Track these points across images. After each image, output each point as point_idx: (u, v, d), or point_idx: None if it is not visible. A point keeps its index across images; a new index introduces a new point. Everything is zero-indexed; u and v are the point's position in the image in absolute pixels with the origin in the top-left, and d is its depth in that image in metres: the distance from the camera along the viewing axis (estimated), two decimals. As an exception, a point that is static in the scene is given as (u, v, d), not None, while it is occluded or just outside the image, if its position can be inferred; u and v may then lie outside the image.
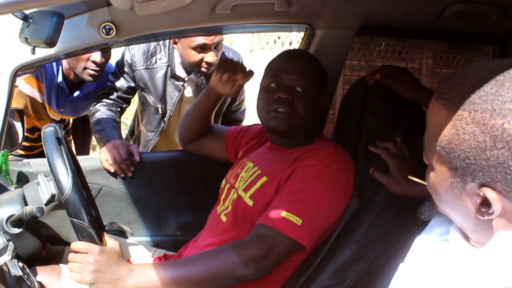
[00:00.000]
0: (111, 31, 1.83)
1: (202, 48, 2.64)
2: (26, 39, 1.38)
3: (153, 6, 1.63)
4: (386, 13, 2.05)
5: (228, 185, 1.95)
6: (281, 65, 1.87)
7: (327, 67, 2.00)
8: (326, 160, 1.72)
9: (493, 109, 0.83)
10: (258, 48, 9.02)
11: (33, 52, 1.44)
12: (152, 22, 1.92)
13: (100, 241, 1.58)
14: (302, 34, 2.35)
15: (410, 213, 1.63)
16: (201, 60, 2.68)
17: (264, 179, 1.78)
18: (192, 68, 2.75)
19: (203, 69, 2.72)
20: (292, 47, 8.94)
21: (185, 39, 2.63)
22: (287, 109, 1.78)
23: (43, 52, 1.76)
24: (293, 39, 8.78)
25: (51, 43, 1.33)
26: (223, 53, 2.87)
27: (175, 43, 2.74)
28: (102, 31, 1.83)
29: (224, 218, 1.85)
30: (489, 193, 0.86)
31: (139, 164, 2.40)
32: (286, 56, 1.92)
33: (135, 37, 1.97)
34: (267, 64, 1.94)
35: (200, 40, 2.59)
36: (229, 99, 3.01)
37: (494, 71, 0.87)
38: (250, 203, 1.76)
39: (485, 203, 0.88)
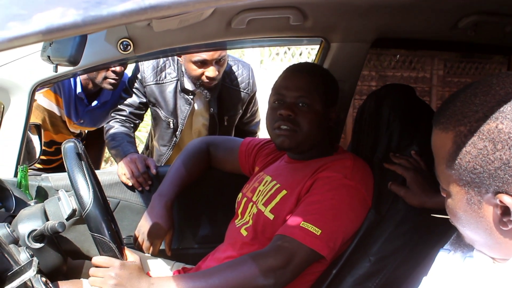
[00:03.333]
0: (129, 47, 1.86)
1: (202, 63, 2.64)
2: (48, 57, 1.40)
3: (170, 22, 1.66)
4: (401, 26, 2.06)
5: (245, 199, 1.95)
6: (283, 82, 1.87)
7: (342, 79, 2.01)
8: (345, 172, 1.73)
9: (484, 115, 0.88)
10: (268, 59, 9.03)
11: (56, 70, 1.47)
12: (168, 38, 1.95)
13: (121, 255, 1.60)
14: (313, 45, 2.36)
15: (428, 226, 1.64)
16: (202, 74, 2.68)
17: (284, 192, 1.79)
18: (194, 81, 2.76)
19: (204, 83, 2.73)
20: (302, 58, 8.95)
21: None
22: (290, 125, 1.79)
23: (62, 69, 1.78)
24: (303, 50, 8.79)
25: (74, 62, 1.35)
26: (232, 65, 2.90)
27: (180, 56, 2.76)
28: (120, 47, 1.85)
29: (244, 232, 1.85)
30: (506, 199, 0.87)
31: (156, 178, 2.41)
32: (288, 73, 1.91)
33: (152, 53, 1.99)
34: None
35: (200, 55, 2.59)
36: (240, 111, 3.02)
37: (479, 86, 0.92)
38: (271, 217, 1.76)
39: (506, 212, 0.89)
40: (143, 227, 2.00)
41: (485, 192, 0.90)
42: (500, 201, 0.88)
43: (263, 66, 8.83)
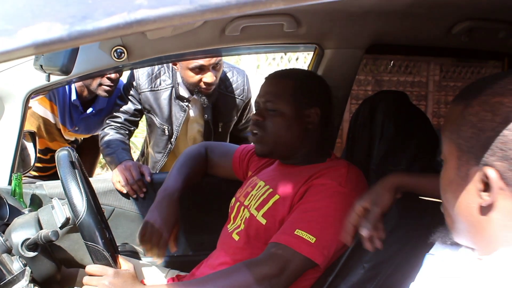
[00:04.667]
0: (123, 54, 1.86)
1: (200, 69, 2.65)
2: (41, 66, 1.40)
3: (164, 29, 1.66)
4: (395, 32, 2.07)
5: (238, 203, 1.96)
6: (259, 90, 1.92)
7: (337, 86, 2.01)
8: (339, 179, 1.73)
9: (493, 91, 0.93)
10: (265, 64, 9.04)
11: (48, 80, 1.47)
12: (162, 45, 1.95)
13: (115, 264, 1.60)
14: (309, 51, 2.37)
15: (421, 232, 1.64)
16: (200, 80, 2.68)
17: (277, 197, 1.79)
18: (192, 88, 2.76)
19: (202, 89, 2.73)
20: (298, 63, 8.96)
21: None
22: (257, 130, 1.84)
23: (55, 77, 1.78)
24: (299, 55, 8.80)
25: (66, 71, 1.35)
26: (226, 72, 2.90)
27: (175, 64, 2.76)
28: (114, 55, 1.85)
29: (236, 237, 1.85)
30: (490, 172, 0.90)
31: (150, 185, 2.41)
32: (264, 81, 1.94)
33: (146, 60, 1.99)
34: None
35: (197, 61, 2.60)
36: (235, 118, 3.03)
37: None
38: (263, 221, 1.77)
39: (486, 189, 0.92)
40: (150, 221, 1.96)
41: (474, 164, 0.93)
42: (485, 175, 0.91)
43: (259, 71, 8.84)
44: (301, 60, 9.02)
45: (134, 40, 1.89)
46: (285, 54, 8.77)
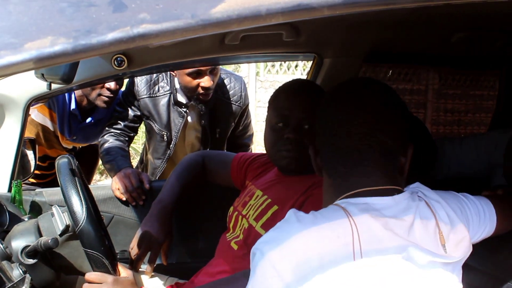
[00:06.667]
0: (123, 62, 1.86)
1: (197, 74, 2.65)
2: (42, 75, 1.41)
3: (165, 38, 1.67)
4: (394, 41, 2.08)
5: (236, 213, 1.95)
6: (286, 102, 1.82)
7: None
8: None
9: None
10: (264, 71, 9.06)
11: (49, 88, 1.48)
12: (162, 54, 1.96)
13: (114, 271, 1.60)
14: (308, 59, 2.38)
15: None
16: (198, 85, 2.68)
17: (275, 208, 1.78)
18: (190, 94, 2.77)
19: (201, 95, 2.73)
20: (298, 70, 8.98)
21: None
22: (297, 148, 1.75)
23: (56, 85, 1.79)
24: (299, 62, 8.82)
25: (67, 80, 1.36)
26: (224, 78, 2.90)
27: (172, 70, 2.75)
28: (114, 63, 1.86)
29: (235, 246, 1.85)
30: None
31: (150, 192, 2.42)
32: (290, 91, 1.85)
33: (146, 68, 2.00)
34: (271, 98, 1.90)
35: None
36: (232, 124, 3.03)
37: None
38: (262, 232, 1.76)
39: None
40: (142, 233, 1.97)
41: None
42: None
43: (259, 78, 8.86)
44: (300, 67, 9.05)
45: (135, 49, 1.90)
46: (284, 62, 8.79)
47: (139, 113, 2.85)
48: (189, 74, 2.65)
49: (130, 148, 2.88)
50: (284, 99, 1.84)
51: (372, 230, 1.08)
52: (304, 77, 2.68)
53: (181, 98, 2.84)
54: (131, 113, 2.83)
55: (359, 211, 1.10)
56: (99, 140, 2.78)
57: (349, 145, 1.17)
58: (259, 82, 8.74)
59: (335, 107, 1.22)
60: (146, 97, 2.81)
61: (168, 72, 2.80)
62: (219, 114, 2.94)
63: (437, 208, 1.19)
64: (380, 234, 1.08)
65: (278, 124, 1.80)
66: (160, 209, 2.03)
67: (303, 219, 1.12)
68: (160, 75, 2.83)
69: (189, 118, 2.92)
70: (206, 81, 2.66)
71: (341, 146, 1.18)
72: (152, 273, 2.01)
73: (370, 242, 1.07)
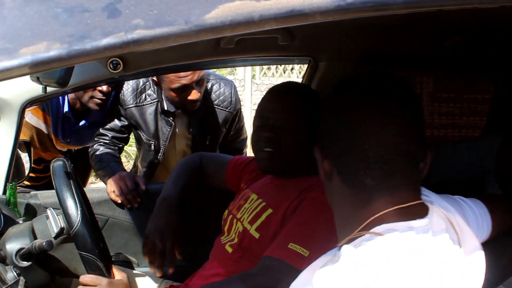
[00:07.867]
0: (118, 66, 1.86)
1: (183, 89, 2.58)
2: (38, 78, 1.42)
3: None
4: (388, 44, 2.09)
5: (231, 216, 1.96)
6: (266, 104, 1.85)
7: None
8: None
9: None
10: (260, 74, 9.07)
11: (45, 91, 1.48)
12: (158, 57, 1.96)
13: (108, 274, 1.61)
14: (303, 63, 2.38)
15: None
16: (185, 98, 2.62)
17: (269, 211, 1.79)
18: (177, 106, 2.72)
19: (188, 107, 2.69)
20: (293, 73, 9.00)
21: (165, 80, 2.58)
22: (272, 147, 1.77)
23: (51, 88, 1.79)
24: (295, 65, 8.84)
25: (62, 83, 1.36)
26: (213, 84, 2.86)
27: (156, 84, 2.71)
28: (110, 66, 1.86)
29: (229, 249, 1.86)
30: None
31: (145, 195, 2.42)
32: (271, 94, 1.88)
33: (141, 71, 2.00)
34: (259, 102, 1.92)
35: (180, 81, 2.53)
36: (223, 130, 2.98)
37: None
38: (257, 235, 1.77)
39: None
40: (151, 231, 1.97)
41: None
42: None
43: (255, 81, 8.87)
44: (296, 70, 9.06)
45: (130, 52, 1.90)
46: (280, 64, 8.81)
47: (126, 123, 2.81)
48: (174, 90, 2.59)
49: (123, 152, 2.87)
50: (266, 100, 1.86)
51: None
52: (300, 80, 2.68)
53: (169, 107, 2.78)
54: (118, 123, 2.79)
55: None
56: (89, 150, 2.76)
57: (381, 155, 1.05)
58: (255, 85, 8.76)
59: (360, 111, 1.08)
60: (133, 107, 2.77)
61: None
62: (209, 121, 2.89)
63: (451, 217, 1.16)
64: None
65: (258, 125, 1.83)
66: (166, 205, 2.04)
67: None
68: (147, 83, 2.77)
69: (177, 127, 2.88)
70: (193, 95, 2.61)
71: (370, 155, 1.05)
72: (147, 275, 2.02)
73: None
